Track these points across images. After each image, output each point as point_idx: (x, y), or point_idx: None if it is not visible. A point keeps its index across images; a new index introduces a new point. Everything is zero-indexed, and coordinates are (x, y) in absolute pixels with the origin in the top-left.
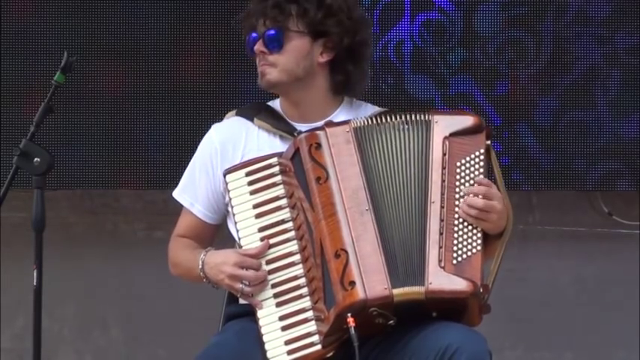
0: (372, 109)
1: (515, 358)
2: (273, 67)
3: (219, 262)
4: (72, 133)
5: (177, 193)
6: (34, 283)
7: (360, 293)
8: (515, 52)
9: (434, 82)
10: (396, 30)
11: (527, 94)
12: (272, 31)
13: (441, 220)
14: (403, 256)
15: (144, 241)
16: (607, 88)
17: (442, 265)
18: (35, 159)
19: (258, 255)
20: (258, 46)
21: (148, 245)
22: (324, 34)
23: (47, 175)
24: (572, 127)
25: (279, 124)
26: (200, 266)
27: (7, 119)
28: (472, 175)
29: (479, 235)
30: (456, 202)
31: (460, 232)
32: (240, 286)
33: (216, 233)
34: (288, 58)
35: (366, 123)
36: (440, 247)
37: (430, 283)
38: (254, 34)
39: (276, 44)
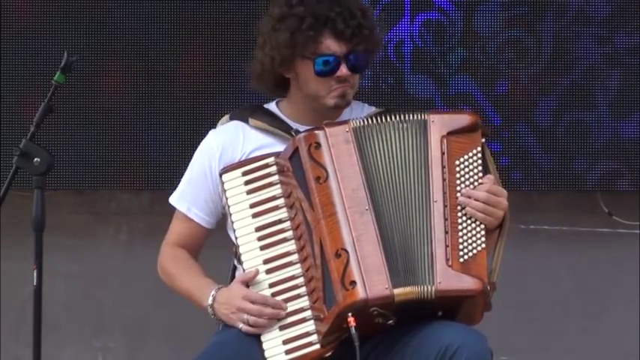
0: (368, 109)
1: (515, 358)
2: (353, 89)
3: (227, 299)
4: (72, 133)
5: (175, 200)
6: (34, 283)
7: (360, 293)
8: (515, 52)
9: (434, 82)
10: (396, 30)
11: (527, 94)
12: (364, 57)
13: (445, 219)
14: (404, 256)
15: (143, 242)
16: (607, 88)
17: (450, 263)
18: (35, 159)
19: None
20: (345, 71)
21: (148, 246)
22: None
23: (47, 175)
24: (572, 127)
25: (274, 122)
26: (210, 302)
27: (7, 119)
28: (471, 173)
29: (482, 232)
30: (458, 200)
31: (464, 230)
32: (246, 317)
33: (207, 239)
34: (358, 77)
35: (365, 123)
36: (446, 246)
37: (439, 283)
38: (331, 57)
39: (364, 68)
